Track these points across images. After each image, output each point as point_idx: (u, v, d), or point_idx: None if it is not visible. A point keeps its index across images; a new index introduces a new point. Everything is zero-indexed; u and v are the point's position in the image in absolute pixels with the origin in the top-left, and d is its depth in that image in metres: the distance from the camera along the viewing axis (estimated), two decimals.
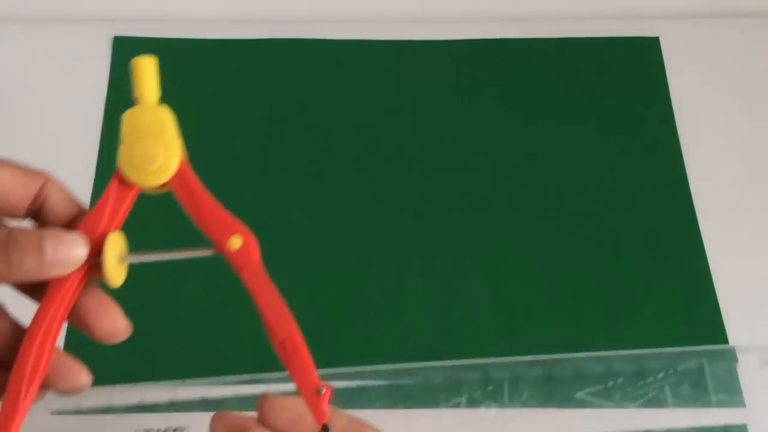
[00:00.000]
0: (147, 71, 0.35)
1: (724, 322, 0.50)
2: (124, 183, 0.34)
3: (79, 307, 0.34)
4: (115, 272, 0.34)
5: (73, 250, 0.32)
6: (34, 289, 0.34)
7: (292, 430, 0.35)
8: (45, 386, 0.34)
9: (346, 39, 0.61)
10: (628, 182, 0.55)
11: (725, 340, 0.49)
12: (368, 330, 0.49)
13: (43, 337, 0.33)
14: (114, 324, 0.35)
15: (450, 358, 0.48)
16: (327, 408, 0.33)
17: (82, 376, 0.35)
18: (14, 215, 0.34)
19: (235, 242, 0.34)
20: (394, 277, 0.51)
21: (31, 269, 0.32)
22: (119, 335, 0.35)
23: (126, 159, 0.34)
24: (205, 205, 0.34)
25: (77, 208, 0.35)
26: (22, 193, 0.34)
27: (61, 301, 0.33)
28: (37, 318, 0.33)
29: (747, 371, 0.48)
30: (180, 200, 0.34)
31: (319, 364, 0.33)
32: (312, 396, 0.33)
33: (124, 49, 0.60)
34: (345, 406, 0.36)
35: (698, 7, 0.64)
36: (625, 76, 0.60)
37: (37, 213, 0.34)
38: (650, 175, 0.55)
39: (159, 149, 0.34)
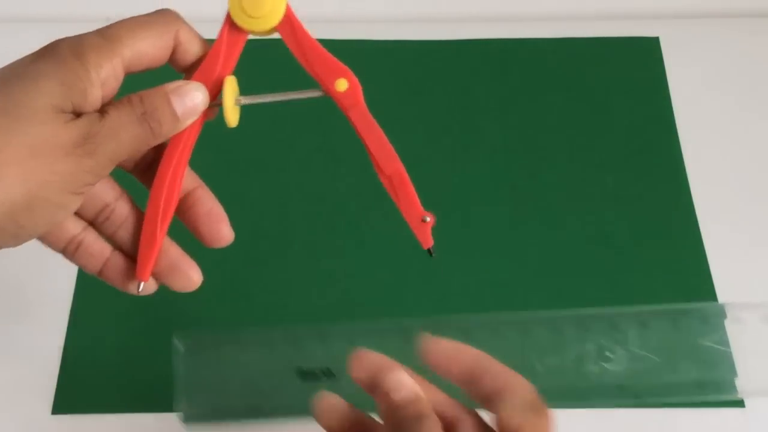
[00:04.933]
0: None
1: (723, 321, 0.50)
2: (235, 29, 0.36)
3: (192, 213, 0.38)
4: (232, 113, 0.36)
5: (197, 98, 0.36)
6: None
7: (447, 366, 0.37)
8: (160, 281, 0.38)
9: (346, 39, 0.61)
10: (628, 182, 0.55)
11: (726, 340, 0.49)
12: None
13: (171, 177, 0.36)
14: (220, 232, 0.38)
15: None
16: (430, 233, 0.37)
17: (195, 273, 0.38)
18: (156, 67, 0.37)
19: (342, 84, 0.37)
20: (394, 276, 0.51)
21: (170, 129, 0.35)
22: (224, 242, 0.38)
23: (236, 6, 0.36)
24: (311, 49, 0.37)
25: (206, 46, 0.37)
26: (161, 56, 0.36)
27: (186, 143, 0.36)
28: (165, 160, 0.36)
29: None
30: (288, 44, 0.37)
31: None
32: (418, 223, 0.38)
33: None
34: None
35: (698, 7, 0.64)
36: (625, 76, 0.60)
37: (172, 56, 0.37)
38: (650, 175, 0.55)
39: (264, 2, 0.36)
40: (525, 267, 0.52)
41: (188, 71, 0.38)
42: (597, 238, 0.53)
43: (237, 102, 0.37)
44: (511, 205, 0.54)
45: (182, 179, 0.37)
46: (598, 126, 0.57)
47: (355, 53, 0.61)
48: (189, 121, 0.36)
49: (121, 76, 0.36)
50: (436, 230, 0.52)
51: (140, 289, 0.37)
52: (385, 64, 0.60)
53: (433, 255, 0.38)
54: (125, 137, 0.34)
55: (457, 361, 0.37)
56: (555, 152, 0.56)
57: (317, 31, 0.62)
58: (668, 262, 0.52)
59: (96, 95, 0.35)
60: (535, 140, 0.57)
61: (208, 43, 0.37)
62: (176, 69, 0.38)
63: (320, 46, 0.37)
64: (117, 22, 0.36)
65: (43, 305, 0.50)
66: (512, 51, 0.61)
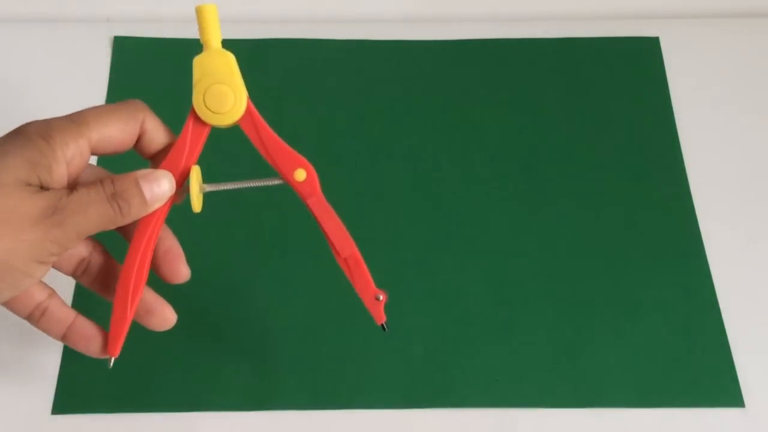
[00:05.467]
0: (211, 17, 0.38)
1: (723, 320, 0.50)
2: (199, 122, 0.39)
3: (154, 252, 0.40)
4: (197, 200, 0.39)
5: (165, 185, 0.38)
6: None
7: None
8: (138, 322, 0.41)
9: (346, 39, 0.61)
10: (627, 182, 0.55)
11: (725, 339, 0.49)
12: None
13: (141, 257, 0.39)
14: (179, 271, 0.41)
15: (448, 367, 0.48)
16: (383, 310, 0.41)
17: (170, 313, 0.42)
18: (123, 151, 0.39)
19: (300, 174, 0.40)
20: (393, 275, 0.51)
21: (138, 212, 0.38)
22: (182, 279, 0.41)
23: (200, 102, 0.38)
24: (271, 141, 0.39)
25: (170, 136, 0.40)
26: (128, 140, 0.39)
27: (154, 226, 0.38)
28: (135, 241, 0.39)
29: None
30: (249, 136, 0.39)
31: None
32: (372, 302, 0.41)
33: (124, 49, 0.60)
34: None
35: (698, 7, 0.64)
36: (625, 76, 0.60)
37: (138, 143, 0.39)
38: (650, 175, 0.55)
39: (229, 93, 0.38)
40: (524, 266, 0.52)
41: (154, 159, 0.40)
42: (596, 238, 0.53)
43: (201, 189, 0.40)
44: (510, 204, 0.54)
45: (151, 259, 0.39)
46: (598, 126, 0.57)
47: (355, 53, 0.61)
48: (156, 206, 0.38)
49: (87, 156, 0.38)
50: (437, 230, 0.53)
51: (111, 365, 0.41)
52: (385, 64, 0.60)
53: (386, 330, 0.42)
54: (93, 214, 0.36)
55: None
56: (555, 152, 0.56)
57: (317, 31, 0.62)
58: (667, 261, 0.52)
59: (61, 171, 0.36)
60: (534, 140, 0.57)
61: (172, 133, 0.40)
62: (143, 156, 0.40)
63: (279, 139, 0.40)
64: (86, 109, 0.38)
65: None
66: (512, 51, 0.61)
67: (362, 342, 0.49)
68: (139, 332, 0.49)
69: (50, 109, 0.57)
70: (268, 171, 0.40)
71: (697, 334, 0.49)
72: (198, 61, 0.38)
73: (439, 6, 0.65)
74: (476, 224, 0.53)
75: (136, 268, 0.39)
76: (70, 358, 0.48)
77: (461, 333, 0.49)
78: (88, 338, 0.40)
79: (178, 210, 0.54)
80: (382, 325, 0.41)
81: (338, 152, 0.56)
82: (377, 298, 0.41)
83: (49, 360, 0.48)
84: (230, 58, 0.39)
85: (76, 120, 0.37)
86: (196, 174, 0.39)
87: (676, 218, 0.54)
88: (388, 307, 0.50)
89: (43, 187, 0.36)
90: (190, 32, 0.60)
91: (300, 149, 0.56)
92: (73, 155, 0.37)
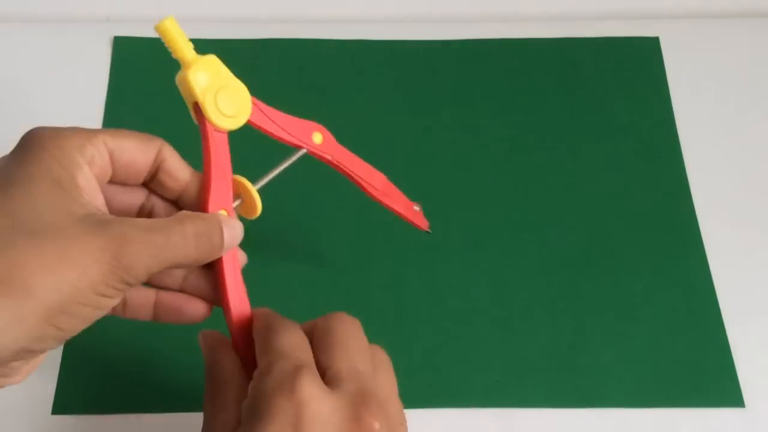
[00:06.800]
0: (176, 30, 0.37)
1: (723, 320, 0.50)
2: (218, 132, 0.38)
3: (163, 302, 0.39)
4: (259, 202, 0.40)
5: (239, 229, 0.38)
6: None
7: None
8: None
9: (346, 39, 0.61)
10: (627, 182, 0.55)
11: (725, 339, 0.49)
12: None
13: (239, 297, 0.39)
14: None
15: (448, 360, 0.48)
16: (423, 217, 0.47)
17: (199, 304, 0.39)
18: (136, 181, 0.37)
19: (317, 137, 0.42)
20: (393, 275, 0.51)
21: (215, 254, 0.36)
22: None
23: (216, 112, 0.38)
24: (280, 119, 0.40)
25: (190, 171, 0.38)
26: (144, 160, 0.36)
27: (235, 262, 0.39)
28: (226, 283, 0.38)
29: None
30: (260, 125, 0.40)
31: None
32: (412, 213, 0.46)
33: (124, 49, 0.60)
34: None
35: (698, 7, 0.64)
36: (625, 76, 0.60)
37: (154, 176, 0.37)
38: (650, 175, 0.55)
39: (237, 90, 0.38)
40: (525, 266, 0.52)
41: (179, 202, 0.38)
42: (596, 238, 0.53)
43: (257, 192, 0.40)
44: (510, 204, 0.54)
45: (245, 292, 0.40)
46: (598, 126, 0.57)
47: (355, 53, 0.61)
48: (229, 249, 0.37)
49: (107, 161, 0.35)
50: (437, 230, 0.53)
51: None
52: (385, 64, 0.60)
53: (430, 232, 0.47)
54: (167, 257, 0.34)
55: None
56: (554, 152, 0.56)
57: (317, 31, 0.62)
58: (667, 261, 0.52)
59: (86, 176, 0.34)
60: (534, 140, 0.57)
61: (193, 168, 0.38)
62: (165, 195, 0.38)
63: (287, 115, 0.41)
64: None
65: None
66: (512, 51, 0.61)
67: None
68: (139, 332, 0.49)
69: (50, 108, 0.58)
70: (280, 154, 0.41)
71: (697, 334, 0.49)
72: (192, 77, 0.37)
73: (439, 6, 0.65)
74: (476, 224, 0.53)
75: (239, 307, 0.39)
76: (70, 358, 0.48)
77: (461, 333, 0.49)
78: (178, 310, 0.38)
79: None
80: (427, 229, 0.47)
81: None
82: (416, 210, 0.46)
83: (49, 360, 0.48)
84: (215, 60, 0.38)
85: (86, 129, 0.35)
86: (244, 181, 0.39)
87: (676, 218, 0.54)
88: (388, 308, 0.50)
89: (89, 210, 0.33)
90: (190, 32, 0.60)
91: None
92: (92, 155, 0.34)
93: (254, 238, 0.52)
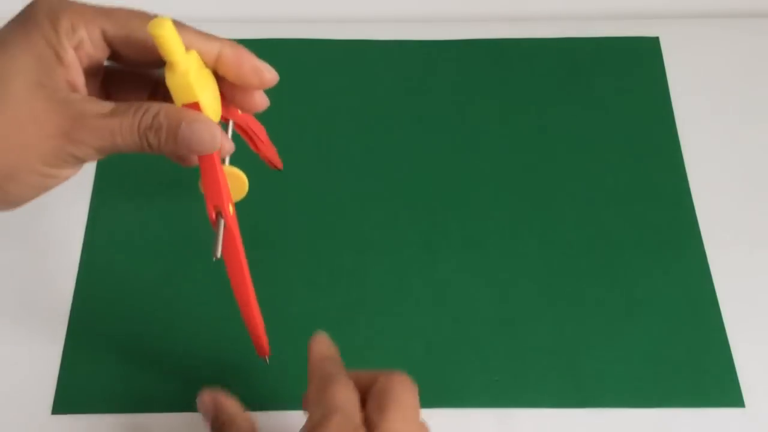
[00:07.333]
0: (173, 35, 0.36)
1: (723, 320, 0.50)
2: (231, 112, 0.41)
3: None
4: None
5: (206, 135, 0.37)
6: None
7: None
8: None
9: (346, 39, 0.61)
10: (627, 182, 0.55)
11: (725, 339, 0.49)
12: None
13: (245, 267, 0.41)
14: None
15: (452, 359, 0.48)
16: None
17: (267, 72, 0.40)
18: (148, 62, 0.37)
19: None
20: (393, 275, 0.51)
21: (168, 151, 0.37)
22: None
23: (214, 110, 0.38)
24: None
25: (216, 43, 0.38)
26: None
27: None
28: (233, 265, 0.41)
29: None
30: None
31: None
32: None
33: None
34: None
35: (698, 7, 0.64)
36: (625, 76, 0.60)
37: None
38: (650, 174, 0.55)
39: (213, 87, 0.39)
40: (525, 266, 0.52)
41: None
42: (596, 238, 0.53)
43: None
44: (510, 204, 0.54)
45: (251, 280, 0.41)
46: (597, 126, 0.57)
47: (355, 53, 0.61)
48: (200, 150, 0.37)
49: (101, 48, 0.36)
50: (437, 230, 0.53)
51: (268, 360, 0.46)
52: (385, 64, 0.60)
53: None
54: (118, 141, 0.35)
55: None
56: (554, 152, 0.56)
57: (317, 31, 0.62)
58: (667, 261, 0.52)
59: (70, 57, 0.35)
60: (534, 140, 0.57)
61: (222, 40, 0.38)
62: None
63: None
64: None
65: (43, 305, 0.50)
66: (512, 51, 0.61)
67: (362, 342, 0.49)
68: (139, 332, 0.49)
69: None
70: None
71: (697, 334, 0.49)
72: (194, 81, 0.37)
73: (439, 6, 0.65)
74: (476, 224, 0.53)
75: (246, 274, 0.41)
76: (70, 358, 0.48)
77: (461, 333, 0.49)
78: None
79: (178, 211, 0.54)
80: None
81: (338, 152, 0.56)
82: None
83: (49, 360, 0.48)
84: (193, 54, 0.37)
85: (98, 7, 0.36)
86: (235, 170, 0.42)
87: (676, 218, 0.53)
88: (388, 307, 0.50)
89: (55, 85, 0.34)
90: None
91: (300, 148, 0.57)
92: (81, 39, 0.35)
93: (253, 237, 0.52)
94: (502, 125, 0.57)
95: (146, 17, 0.36)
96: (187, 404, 0.46)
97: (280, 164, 0.51)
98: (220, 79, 0.39)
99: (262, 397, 0.47)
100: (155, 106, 0.36)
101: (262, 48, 0.61)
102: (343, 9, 0.64)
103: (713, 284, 0.51)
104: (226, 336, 0.48)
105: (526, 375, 0.48)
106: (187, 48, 0.36)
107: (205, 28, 0.39)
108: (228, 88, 0.40)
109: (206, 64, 0.38)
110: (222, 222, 0.39)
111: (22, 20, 0.35)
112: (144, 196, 0.54)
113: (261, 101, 0.41)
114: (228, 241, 0.39)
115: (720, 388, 0.47)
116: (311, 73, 0.60)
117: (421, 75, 0.60)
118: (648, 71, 0.60)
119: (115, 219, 0.53)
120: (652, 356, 0.48)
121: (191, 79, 0.36)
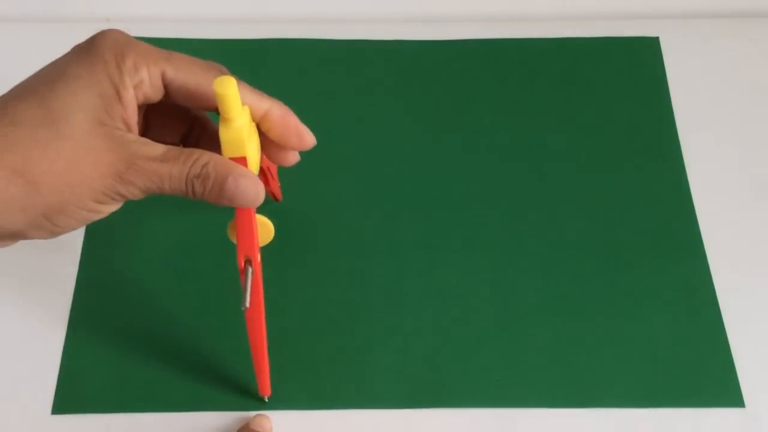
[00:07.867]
0: (235, 95, 0.37)
1: (723, 320, 0.50)
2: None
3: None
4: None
5: (250, 190, 0.38)
6: None
7: None
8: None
9: (346, 39, 0.61)
10: (627, 182, 0.55)
11: (725, 339, 0.49)
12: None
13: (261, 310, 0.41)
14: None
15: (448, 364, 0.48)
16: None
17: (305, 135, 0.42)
18: (199, 107, 0.39)
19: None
20: (393, 275, 0.51)
21: (214, 200, 0.38)
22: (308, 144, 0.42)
23: (255, 162, 0.40)
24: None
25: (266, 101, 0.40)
26: (205, 89, 0.38)
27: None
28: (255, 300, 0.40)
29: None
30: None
31: None
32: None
33: None
34: None
35: (698, 7, 0.64)
36: (625, 76, 0.60)
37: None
38: (650, 174, 0.55)
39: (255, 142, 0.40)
40: (525, 266, 0.52)
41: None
42: (596, 238, 0.53)
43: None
44: (510, 204, 0.54)
45: (263, 310, 0.41)
46: (597, 126, 0.57)
47: (355, 53, 0.61)
48: (241, 204, 0.38)
49: (158, 88, 0.37)
50: (437, 230, 0.53)
51: (267, 399, 0.46)
52: (385, 64, 0.60)
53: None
54: (165, 186, 0.36)
55: None
56: (554, 152, 0.56)
57: (317, 31, 0.62)
58: (667, 261, 0.52)
59: (129, 96, 0.36)
60: (534, 140, 0.57)
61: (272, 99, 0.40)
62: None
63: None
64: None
65: (43, 305, 0.50)
66: (512, 51, 0.61)
67: (362, 342, 0.49)
68: (139, 332, 0.49)
69: None
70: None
71: (697, 334, 0.49)
72: (247, 140, 0.38)
73: (438, 6, 0.65)
74: (476, 224, 0.53)
75: (262, 320, 0.41)
76: (71, 358, 0.48)
77: (461, 333, 0.49)
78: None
79: (179, 209, 0.54)
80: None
81: (338, 152, 0.56)
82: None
83: (49, 360, 0.48)
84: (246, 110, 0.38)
85: (160, 49, 0.37)
86: (264, 220, 0.41)
87: (676, 218, 0.54)
88: (388, 307, 0.50)
89: (113, 123, 0.35)
90: (190, 32, 0.61)
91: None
92: (141, 79, 0.36)
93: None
94: (502, 125, 0.57)
95: (206, 66, 0.38)
96: (188, 404, 0.46)
97: (280, 197, 0.52)
98: (261, 133, 0.41)
99: (260, 396, 0.47)
100: (205, 156, 0.37)
101: (262, 48, 0.62)
102: (343, 9, 0.64)
103: (713, 284, 0.51)
104: (228, 335, 0.48)
105: (526, 375, 0.48)
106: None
107: (205, 28, 0.40)
108: (266, 141, 0.41)
109: (252, 118, 0.39)
110: (250, 270, 0.39)
111: (86, 54, 0.36)
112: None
113: (293, 158, 0.43)
114: (253, 287, 0.39)
115: (720, 388, 0.48)
116: (311, 73, 0.60)
117: (421, 75, 0.60)
118: (648, 71, 0.60)
119: (116, 217, 0.53)
120: (653, 356, 0.48)
121: (244, 135, 0.37)
